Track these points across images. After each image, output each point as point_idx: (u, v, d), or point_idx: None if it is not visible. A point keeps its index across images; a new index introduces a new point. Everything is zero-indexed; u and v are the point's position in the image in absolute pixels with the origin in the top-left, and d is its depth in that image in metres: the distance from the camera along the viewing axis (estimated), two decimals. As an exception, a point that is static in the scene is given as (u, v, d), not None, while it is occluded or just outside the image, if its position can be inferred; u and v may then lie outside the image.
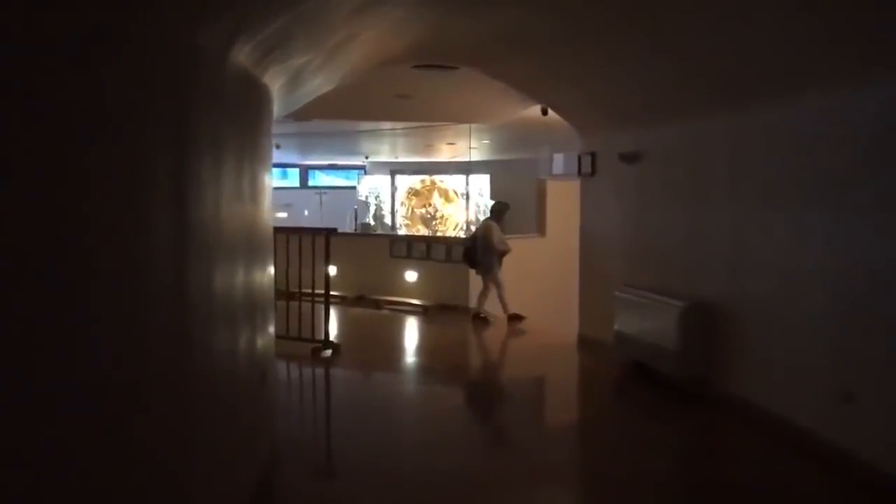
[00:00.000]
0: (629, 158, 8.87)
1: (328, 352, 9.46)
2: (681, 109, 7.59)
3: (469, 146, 18.57)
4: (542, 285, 13.14)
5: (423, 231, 23.15)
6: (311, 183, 25.70)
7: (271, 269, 5.94)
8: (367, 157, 22.47)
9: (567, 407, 7.84)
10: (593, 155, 9.76)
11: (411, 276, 13.09)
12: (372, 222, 23.51)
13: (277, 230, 6.68)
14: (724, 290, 7.06)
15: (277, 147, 19.37)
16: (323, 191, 24.34)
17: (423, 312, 12.39)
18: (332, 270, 14.16)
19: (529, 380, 8.88)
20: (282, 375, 8.26)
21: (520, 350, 10.48)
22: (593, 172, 9.79)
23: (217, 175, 3.54)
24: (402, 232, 23.09)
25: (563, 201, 13.56)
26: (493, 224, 11.61)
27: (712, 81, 6.63)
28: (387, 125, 13.57)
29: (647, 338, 7.97)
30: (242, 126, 4.39)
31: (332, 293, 13.79)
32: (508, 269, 12.57)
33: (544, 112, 10.24)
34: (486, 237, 11.41)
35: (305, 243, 9.82)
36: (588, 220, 10.05)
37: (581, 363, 9.52)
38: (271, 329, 5.93)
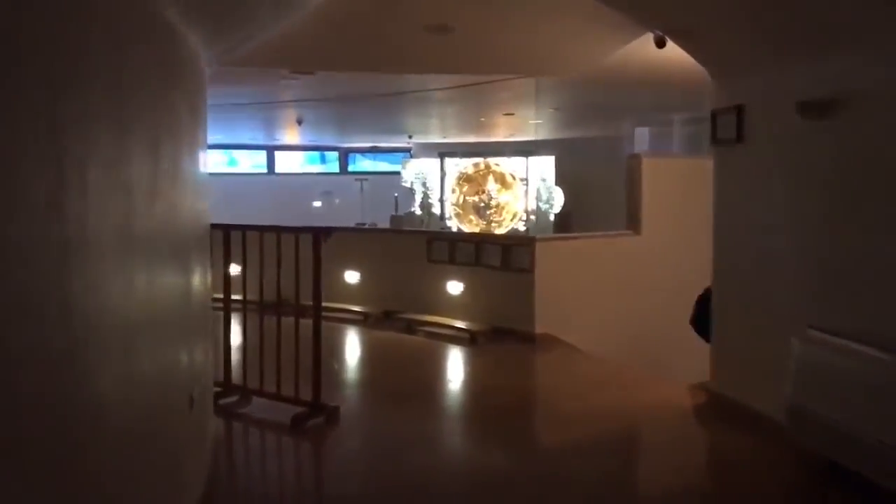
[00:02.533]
0: (816, 111, 5.05)
1: (317, 419, 5.88)
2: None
3: (530, 120, 14.81)
4: (635, 305, 9.37)
5: (475, 222, 19.47)
6: (350, 168, 22.24)
7: (202, 276, 4.84)
8: (410, 137, 18.84)
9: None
10: (739, 111, 5.95)
11: (455, 287, 9.44)
12: (418, 212, 19.93)
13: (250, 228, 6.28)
14: None
15: (299, 123, 15.94)
16: (364, 177, 20.86)
17: (471, 340, 8.73)
18: (354, 278, 10.58)
19: (635, 492, 5.12)
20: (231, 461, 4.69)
21: (610, 414, 6.67)
22: (739, 139, 5.98)
23: (111, 155, 2.62)
24: (451, 223, 19.50)
25: (668, 185, 9.73)
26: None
27: None
28: (419, 81, 9.81)
29: (861, 425, 4.23)
30: (154, 91, 3.38)
31: (351, 308, 10.26)
32: (583, 280, 8.83)
33: (660, 43, 6.45)
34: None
35: (287, 245, 6.23)
36: (728, 215, 6.26)
37: (719, 451, 5.64)
38: (201, 347, 4.70)
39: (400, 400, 6.60)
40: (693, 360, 9.92)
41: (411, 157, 21.35)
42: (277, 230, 6.32)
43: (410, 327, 9.39)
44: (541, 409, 6.66)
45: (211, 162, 16.80)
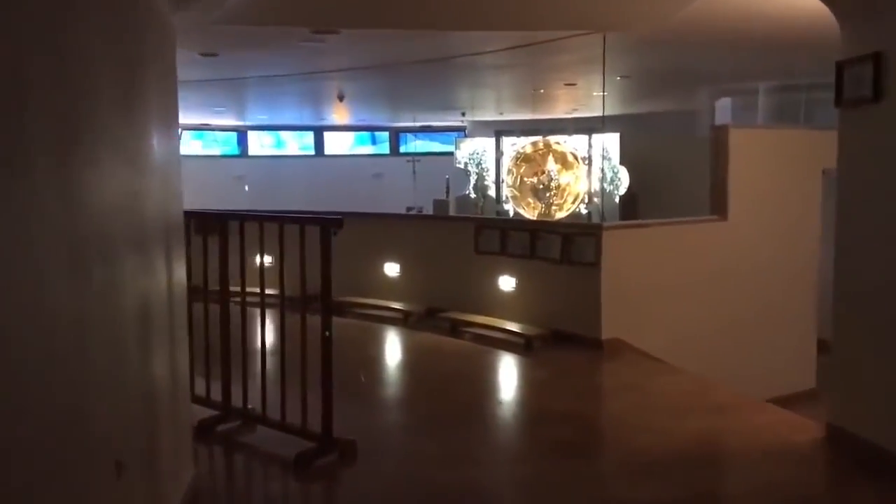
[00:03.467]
0: None
1: (329, 457, 4.64)
2: None
3: (594, 91, 13.31)
4: (720, 304, 7.92)
5: (533, 205, 18.08)
6: (402, 149, 21.02)
7: (175, 275, 4.00)
8: (464, 115, 17.47)
9: None
10: (878, 60, 4.46)
11: (507, 283, 8.09)
12: (472, 194, 18.63)
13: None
14: None
15: (341, 99, 14.72)
16: (416, 158, 19.61)
17: (525, 346, 7.39)
18: (394, 271, 9.31)
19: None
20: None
21: (700, 456, 5.22)
22: (877, 96, 4.48)
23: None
24: (508, 206, 18.14)
25: (759, 161, 8.20)
26: None
27: None
28: (466, 42, 8.42)
29: None
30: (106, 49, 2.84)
31: (390, 305, 9.00)
32: (658, 276, 7.45)
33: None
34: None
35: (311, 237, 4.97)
36: (858, 198, 4.77)
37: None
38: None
39: (436, 428, 5.30)
40: (793, 370, 8.47)
41: (466, 136, 20.01)
42: (281, 220, 5.06)
43: (455, 329, 8.08)
44: (610, 445, 5.26)
45: (257, 144, 15.71)
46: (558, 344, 7.43)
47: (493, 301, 8.19)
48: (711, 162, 8.26)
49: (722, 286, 8.01)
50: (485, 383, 6.56)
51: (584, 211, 18.10)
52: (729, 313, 8.00)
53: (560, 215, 18.55)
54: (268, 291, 5.40)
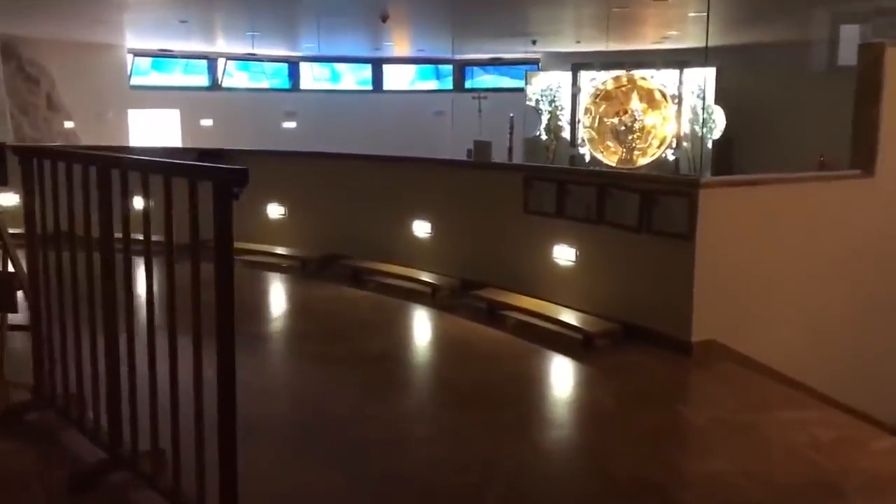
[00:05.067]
0: None
1: None
2: None
3: (690, 12, 10.83)
4: (865, 291, 5.64)
5: (613, 149, 15.79)
6: (468, 85, 18.79)
7: None
8: (534, 43, 15.07)
9: None
10: None
11: (563, 255, 5.96)
12: (543, 136, 16.42)
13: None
14: None
15: (384, 20, 12.51)
16: (482, 94, 17.38)
17: (584, 345, 5.30)
18: (424, 231, 7.25)
19: None
20: None
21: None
22: None
23: None
24: (584, 150, 15.85)
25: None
26: None
27: None
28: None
29: None
30: None
31: (417, 277, 6.98)
32: (776, 251, 5.22)
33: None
34: None
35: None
36: None
37: None
38: None
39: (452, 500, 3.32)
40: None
41: (539, 69, 17.65)
42: (167, 171, 3.05)
43: (493, 313, 6.02)
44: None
45: (310, 77, 13.76)
46: (629, 344, 5.29)
47: (544, 278, 6.07)
48: (856, 96, 5.85)
49: (865, 267, 5.70)
50: (524, 403, 4.47)
51: (671, 157, 15.64)
52: (875, 304, 5.70)
53: (643, 161, 16.11)
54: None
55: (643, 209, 5.36)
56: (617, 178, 5.89)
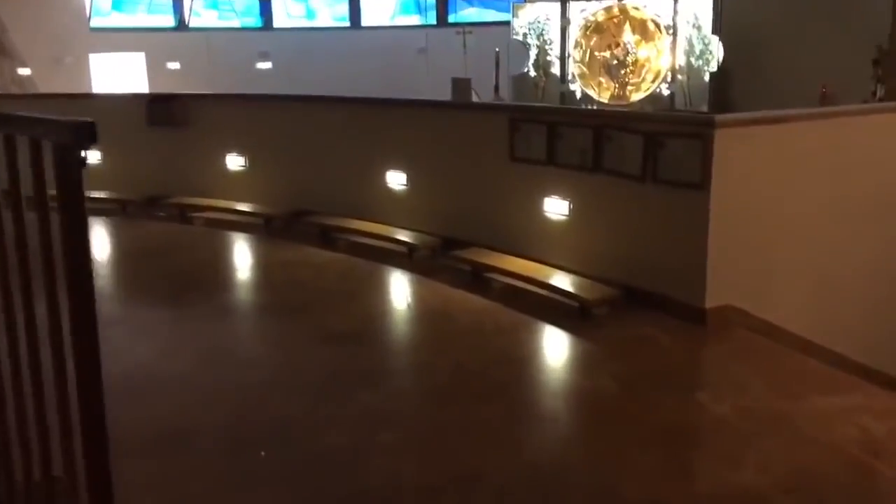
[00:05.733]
0: None
1: None
2: None
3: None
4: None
5: (605, 85, 14.84)
6: (451, 19, 17.67)
7: None
8: (521, -29, 13.95)
9: None
10: None
11: (556, 208, 5.16)
12: (532, 73, 15.44)
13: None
14: None
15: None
16: (467, 29, 16.28)
17: (581, 314, 4.56)
18: (399, 183, 6.39)
19: None
20: None
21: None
22: None
23: None
24: (575, 87, 14.87)
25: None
26: None
27: None
28: None
29: None
30: None
31: (392, 235, 6.18)
32: (801, 202, 4.46)
33: None
34: None
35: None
36: None
37: None
38: None
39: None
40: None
41: (526, 1, 16.55)
42: None
43: (478, 276, 5.26)
44: None
45: (283, 14, 12.70)
46: (632, 312, 4.54)
47: (534, 235, 5.29)
48: None
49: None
50: (507, 396, 3.73)
51: (665, 91, 14.71)
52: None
53: (637, 97, 15.09)
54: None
55: (647, 154, 4.55)
56: (616, 119, 5.04)
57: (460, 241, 5.67)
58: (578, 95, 14.95)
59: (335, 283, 5.36)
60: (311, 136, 6.80)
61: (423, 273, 5.47)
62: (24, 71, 12.80)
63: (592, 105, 13.83)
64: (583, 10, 14.97)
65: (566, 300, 4.68)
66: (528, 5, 16.01)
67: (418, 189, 6.16)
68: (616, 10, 14.70)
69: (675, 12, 14.23)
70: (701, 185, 4.28)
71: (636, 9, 14.54)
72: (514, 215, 5.43)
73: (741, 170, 4.36)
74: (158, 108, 7.35)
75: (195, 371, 3.90)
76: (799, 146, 4.57)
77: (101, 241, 6.92)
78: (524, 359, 4.08)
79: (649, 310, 4.54)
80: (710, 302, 4.37)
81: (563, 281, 4.81)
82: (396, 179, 6.27)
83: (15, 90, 12.55)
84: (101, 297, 4.81)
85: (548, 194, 5.18)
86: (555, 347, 4.39)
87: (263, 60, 15.81)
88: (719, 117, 4.32)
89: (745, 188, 4.40)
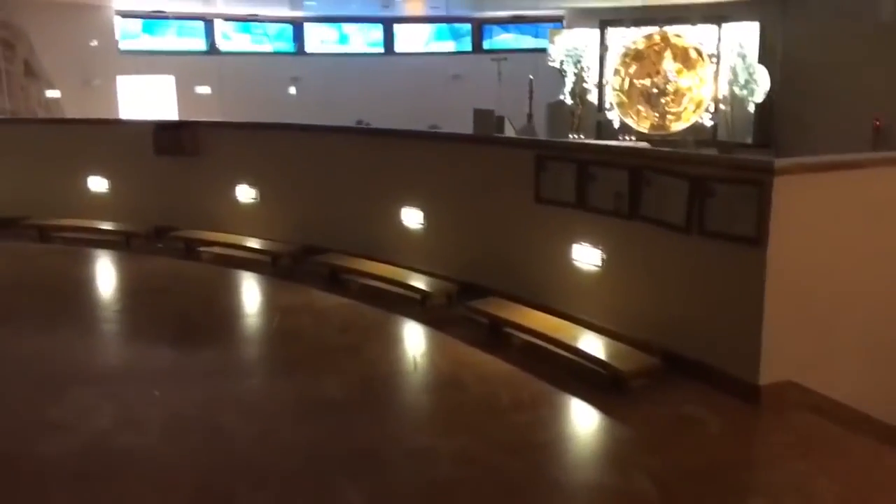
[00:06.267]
0: None
1: None
2: None
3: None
4: None
5: (644, 114, 14.21)
6: (486, 45, 17.17)
7: None
8: (558, -4, 13.41)
9: None
10: None
11: (585, 257, 4.52)
12: (568, 101, 14.84)
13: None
14: None
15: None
16: (502, 55, 15.75)
17: (612, 384, 3.89)
18: (415, 221, 5.71)
19: None
20: None
21: None
22: None
23: None
24: (612, 116, 14.24)
25: None
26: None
27: None
28: None
29: None
30: None
31: (406, 281, 5.57)
32: (873, 266, 3.70)
33: None
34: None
35: None
36: None
37: None
38: None
39: None
40: None
41: (563, 27, 15.99)
42: None
43: (496, 331, 4.62)
44: None
45: (316, 39, 12.18)
46: (673, 382, 3.86)
47: (560, 286, 4.64)
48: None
49: None
50: (522, 496, 3.09)
51: (708, 122, 13.98)
52: None
53: (678, 126, 14.43)
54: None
55: (693, 202, 3.88)
56: (657, 159, 4.35)
57: (479, 288, 5.05)
58: (616, 125, 14.29)
59: (335, 336, 4.75)
60: (325, 167, 6.25)
61: (435, 325, 4.84)
62: (52, 93, 12.52)
63: (630, 137, 13.16)
64: (623, 37, 14.36)
65: (593, 367, 4.00)
66: (566, 31, 15.44)
67: (436, 228, 5.55)
68: (657, 38, 14.05)
69: (719, 40, 13.56)
70: (757, 239, 3.60)
71: (678, 36, 13.88)
72: (539, 262, 4.79)
73: (805, 223, 3.67)
74: (166, 136, 6.85)
75: (155, 445, 3.31)
76: (873, 196, 3.86)
77: (94, 278, 6.43)
78: (543, 446, 3.40)
79: (693, 382, 3.85)
80: (766, 377, 3.67)
81: (593, 344, 4.13)
82: (413, 217, 5.67)
83: (41, 113, 12.26)
84: (75, 346, 4.25)
85: (577, 240, 4.53)
86: (581, 432, 3.70)
87: (294, 85, 15.46)
88: (780, 162, 3.63)
89: (808, 244, 3.70)
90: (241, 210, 6.77)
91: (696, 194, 3.85)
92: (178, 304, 5.39)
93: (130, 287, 6.09)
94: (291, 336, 4.74)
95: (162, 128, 6.93)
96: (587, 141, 13.44)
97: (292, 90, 15.12)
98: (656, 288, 4.17)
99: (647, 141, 13.30)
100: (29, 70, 12.26)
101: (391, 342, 4.81)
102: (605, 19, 14.43)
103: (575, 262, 4.57)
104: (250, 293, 5.95)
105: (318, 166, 6.30)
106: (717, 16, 13.45)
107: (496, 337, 4.59)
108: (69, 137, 7.57)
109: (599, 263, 4.44)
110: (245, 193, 6.76)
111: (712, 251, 3.84)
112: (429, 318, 4.97)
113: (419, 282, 5.33)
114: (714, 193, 3.77)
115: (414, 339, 4.81)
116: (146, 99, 13.98)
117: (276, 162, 6.60)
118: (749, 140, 13.35)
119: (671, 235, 4.01)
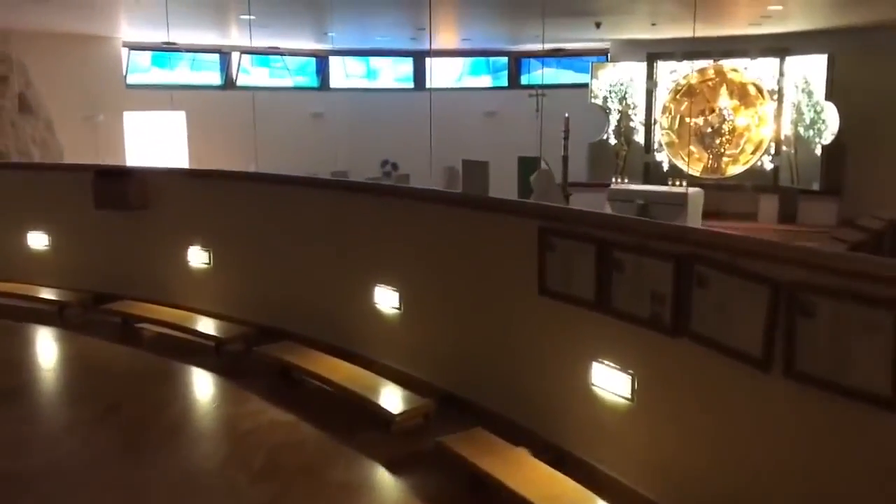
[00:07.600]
0: None
1: None
2: None
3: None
4: None
5: (697, 155, 12.74)
6: (524, 80, 15.88)
7: None
8: (599, 26, 11.96)
9: None
10: None
11: (612, 382, 3.07)
12: (612, 140, 13.48)
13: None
14: None
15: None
16: (540, 91, 14.38)
17: None
18: (390, 305, 4.24)
19: None
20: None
21: None
22: None
23: None
24: (661, 157, 12.80)
25: None
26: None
27: None
28: None
29: None
30: None
31: (369, 397, 4.13)
32: None
33: None
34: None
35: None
36: None
37: None
38: None
39: None
40: None
41: (607, 61, 14.63)
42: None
43: (476, 486, 3.17)
44: None
45: (341, 73, 10.77)
46: None
47: (575, 419, 3.16)
48: None
49: None
50: None
51: (768, 165, 12.38)
52: None
53: (733, 170, 12.85)
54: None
55: (776, 323, 2.38)
56: (720, 247, 2.76)
57: (468, 405, 3.61)
58: (665, 167, 12.83)
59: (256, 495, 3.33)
60: (290, 229, 4.91)
61: (400, 468, 3.39)
62: (50, 131, 11.55)
63: (681, 182, 11.63)
64: (672, 72, 12.86)
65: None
66: (610, 65, 14.02)
67: (412, 316, 4.12)
68: (711, 72, 12.57)
69: (782, 74, 12.01)
70: (892, 400, 2.09)
71: (735, 70, 12.37)
72: (542, 379, 3.33)
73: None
74: (108, 187, 5.57)
75: None
76: None
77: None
78: None
79: None
80: None
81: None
82: (387, 299, 4.25)
83: (36, 152, 11.26)
84: None
85: (596, 356, 3.06)
86: None
87: (317, 120, 14.35)
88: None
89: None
90: (193, 276, 5.45)
91: (784, 312, 2.35)
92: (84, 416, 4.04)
93: (31, 384, 4.77)
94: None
95: (102, 175, 5.65)
96: (620, 187, 11.99)
97: (312, 126, 13.95)
98: (715, 445, 2.67)
99: (699, 186, 11.89)
100: (24, 105, 11.28)
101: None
102: (654, 52, 13.02)
103: (594, 388, 3.09)
104: (185, 401, 4.56)
105: (283, 228, 4.97)
106: (778, 48, 11.97)
107: (477, 489, 3.12)
108: (8, 185, 6.38)
109: (629, 395, 2.95)
110: (197, 257, 5.44)
111: (808, 404, 2.33)
112: (396, 449, 3.53)
113: (389, 398, 3.90)
114: (814, 314, 2.27)
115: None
116: (154, 135, 12.94)
117: (232, 218, 5.27)
118: (815, 186, 11.79)
119: (741, 369, 2.51)
